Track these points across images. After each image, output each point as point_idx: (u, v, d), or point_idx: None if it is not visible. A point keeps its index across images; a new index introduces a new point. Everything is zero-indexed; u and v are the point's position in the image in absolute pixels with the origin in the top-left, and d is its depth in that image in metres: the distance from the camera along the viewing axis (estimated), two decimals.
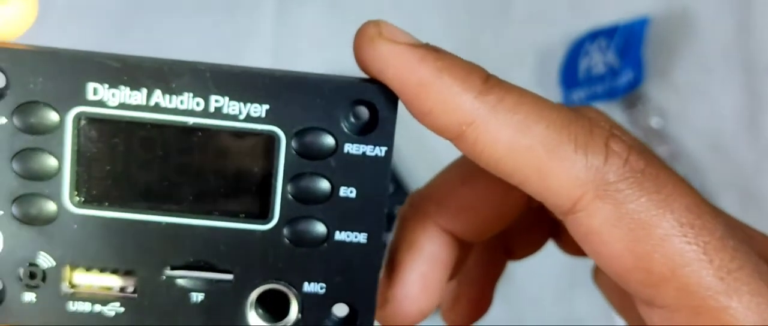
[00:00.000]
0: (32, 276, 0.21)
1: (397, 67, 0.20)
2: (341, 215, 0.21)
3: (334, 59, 0.54)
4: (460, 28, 0.53)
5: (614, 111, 0.51)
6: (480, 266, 0.26)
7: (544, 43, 0.52)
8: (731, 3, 0.50)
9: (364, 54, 0.20)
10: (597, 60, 0.51)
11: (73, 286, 0.21)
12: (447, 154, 0.23)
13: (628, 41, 0.50)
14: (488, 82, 0.20)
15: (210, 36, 0.54)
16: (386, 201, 0.21)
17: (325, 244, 0.21)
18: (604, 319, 0.48)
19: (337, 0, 0.54)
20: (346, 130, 0.21)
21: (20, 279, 0.21)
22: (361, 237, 0.21)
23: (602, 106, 0.51)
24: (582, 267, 0.49)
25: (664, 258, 0.19)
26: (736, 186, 0.49)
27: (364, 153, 0.21)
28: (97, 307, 0.21)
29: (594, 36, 0.51)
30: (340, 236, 0.21)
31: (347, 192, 0.21)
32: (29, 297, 0.21)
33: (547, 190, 0.20)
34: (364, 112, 0.21)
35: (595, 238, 0.20)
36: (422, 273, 0.23)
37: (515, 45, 0.52)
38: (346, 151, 0.21)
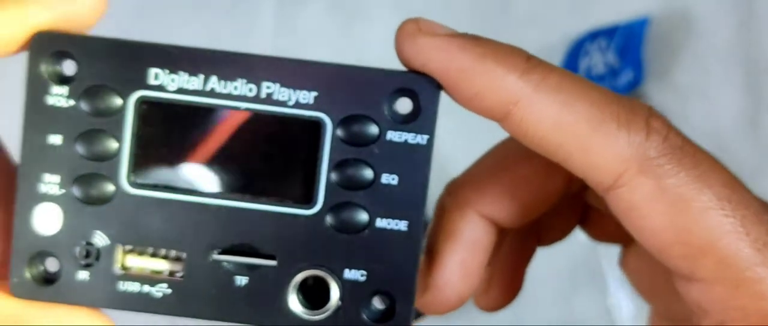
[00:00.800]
0: (88, 254, 0.21)
1: (440, 58, 0.21)
2: (383, 202, 0.21)
3: (333, 59, 0.54)
4: (460, 28, 0.53)
5: None
6: (513, 251, 0.27)
7: (544, 43, 0.52)
8: (732, 3, 0.50)
9: (406, 50, 0.21)
10: (597, 60, 0.51)
11: (124, 267, 0.22)
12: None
13: (628, 41, 0.50)
14: (530, 61, 0.21)
15: (210, 36, 0.54)
16: (427, 189, 0.21)
17: (367, 231, 0.21)
18: (604, 319, 0.48)
19: (337, 0, 0.54)
20: (389, 118, 0.21)
21: (76, 258, 0.21)
22: (402, 225, 0.21)
23: None
24: (582, 267, 0.49)
25: (703, 231, 0.20)
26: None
27: (406, 140, 0.21)
28: (146, 288, 0.22)
29: (594, 36, 0.51)
30: (381, 223, 0.21)
31: (389, 179, 0.21)
32: (83, 275, 0.22)
33: (590, 166, 0.20)
34: (406, 100, 0.21)
35: (637, 213, 0.20)
36: (462, 259, 0.23)
37: (515, 45, 0.52)
38: (388, 138, 0.21)
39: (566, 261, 0.49)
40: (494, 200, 0.24)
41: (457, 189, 0.24)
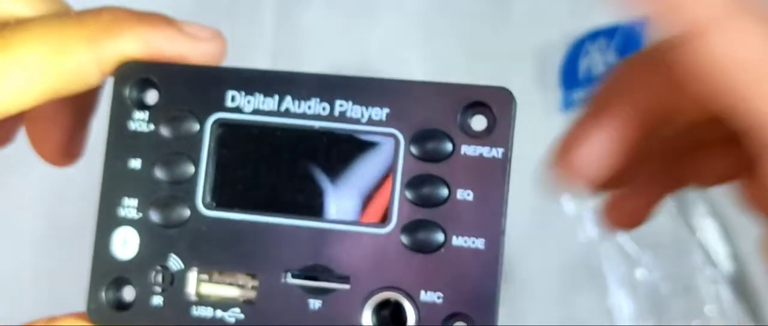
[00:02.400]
0: (162, 278, 0.22)
1: None
2: (459, 219, 0.21)
3: (334, 60, 0.54)
4: (460, 28, 0.53)
5: None
6: (654, 176, 0.25)
7: (544, 43, 0.52)
8: None
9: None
10: (597, 60, 0.51)
11: (198, 294, 0.22)
12: None
13: (628, 41, 0.50)
14: None
15: None
16: (505, 204, 0.21)
17: (443, 250, 0.21)
18: (604, 319, 0.48)
19: (337, 0, 0.54)
20: (463, 132, 0.21)
21: (151, 283, 0.22)
22: (479, 243, 0.21)
23: None
24: (582, 267, 0.49)
25: None
26: (737, 186, 0.49)
27: (481, 154, 0.21)
28: (219, 313, 0.21)
29: (594, 36, 0.51)
30: (457, 241, 0.21)
31: (465, 195, 0.21)
32: (157, 300, 0.22)
33: (763, 120, 0.18)
34: (480, 113, 0.21)
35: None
36: (602, 139, 0.22)
37: (515, 45, 0.52)
38: (463, 153, 0.21)
39: (566, 261, 0.49)
40: (643, 91, 0.22)
41: (610, 79, 0.23)
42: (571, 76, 0.51)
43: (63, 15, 0.22)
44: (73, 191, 0.51)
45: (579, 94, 0.51)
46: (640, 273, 0.48)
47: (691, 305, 0.48)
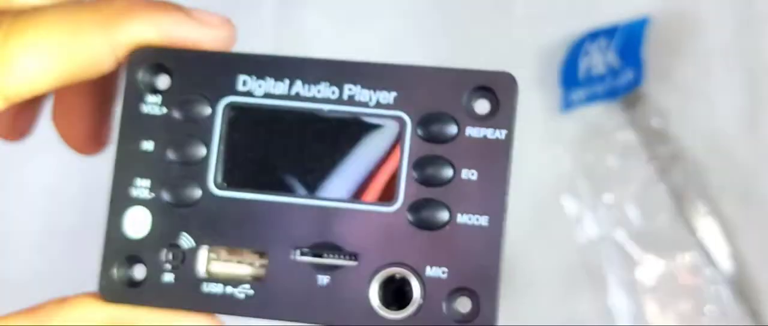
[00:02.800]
0: (173, 256, 0.22)
1: None
2: (463, 197, 0.22)
3: (337, 58, 0.54)
4: (460, 28, 0.53)
5: (614, 111, 0.51)
6: None
7: (544, 43, 0.52)
8: (732, 3, 0.50)
9: None
10: (597, 60, 0.51)
11: (208, 271, 0.22)
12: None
13: (628, 41, 0.50)
14: None
15: None
16: (508, 183, 0.22)
17: (448, 227, 0.22)
18: (604, 319, 0.48)
19: (337, 0, 0.54)
20: (467, 115, 0.22)
21: (162, 261, 0.22)
22: (483, 220, 0.22)
23: (602, 106, 0.51)
24: (582, 267, 0.49)
25: None
26: (737, 187, 0.49)
27: (485, 136, 0.22)
28: (229, 289, 0.22)
29: (594, 36, 0.51)
30: (462, 219, 0.22)
31: (469, 174, 0.22)
32: (169, 277, 0.22)
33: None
34: (484, 97, 0.22)
35: None
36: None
37: (515, 45, 0.52)
38: (467, 134, 0.22)
39: (566, 261, 0.49)
40: None
41: None
42: (571, 76, 0.51)
43: (76, 1, 0.23)
44: (73, 191, 0.51)
45: (579, 94, 0.51)
46: (640, 273, 0.48)
47: (692, 305, 0.48)
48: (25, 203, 0.51)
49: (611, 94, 0.51)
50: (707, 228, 0.48)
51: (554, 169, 0.50)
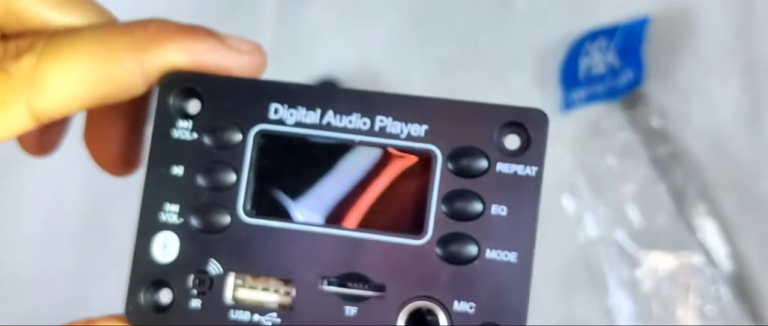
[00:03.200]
0: (201, 282, 0.22)
1: None
2: (492, 233, 0.22)
3: (334, 60, 0.54)
4: (460, 28, 0.53)
5: (614, 111, 0.51)
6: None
7: (544, 43, 0.52)
8: (732, 3, 0.50)
9: None
10: (597, 60, 0.51)
11: (235, 298, 0.22)
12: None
13: (628, 41, 0.50)
14: None
15: None
16: (537, 220, 0.22)
17: (476, 262, 0.22)
18: (604, 319, 0.48)
19: (337, 0, 0.54)
20: (498, 150, 0.22)
21: (189, 287, 0.22)
22: (512, 257, 0.22)
23: (602, 106, 0.51)
24: (582, 267, 0.49)
25: None
26: (737, 186, 0.49)
27: (515, 172, 0.22)
28: (256, 317, 0.22)
29: (594, 36, 0.51)
30: (490, 254, 0.22)
31: (499, 210, 0.22)
32: (196, 303, 0.22)
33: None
34: (515, 132, 0.22)
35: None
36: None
37: (515, 45, 0.52)
38: (498, 170, 0.22)
39: (566, 261, 0.49)
40: None
41: None
42: (571, 76, 0.51)
43: (110, 25, 0.23)
44: (73, 192, 0.51)
45: (579, 94, 0.51)
46: (640, 273, 0.48)
47: (692, 305, 0.48)
48: (27, 203, 0.51)
49: (611, 94, 0.51)
50: (707, 228, 0.48)
51: (554, 169, 0.50)
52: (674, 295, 0.48)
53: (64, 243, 0.51)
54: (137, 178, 0.48)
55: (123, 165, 0.27)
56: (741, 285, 0.47)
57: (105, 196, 0.50)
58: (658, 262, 0.48)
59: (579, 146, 0.50)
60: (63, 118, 0.23)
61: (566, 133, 0.50)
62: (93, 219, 0.51)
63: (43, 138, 0.27)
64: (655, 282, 0.48)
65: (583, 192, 0.49)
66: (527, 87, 0.52)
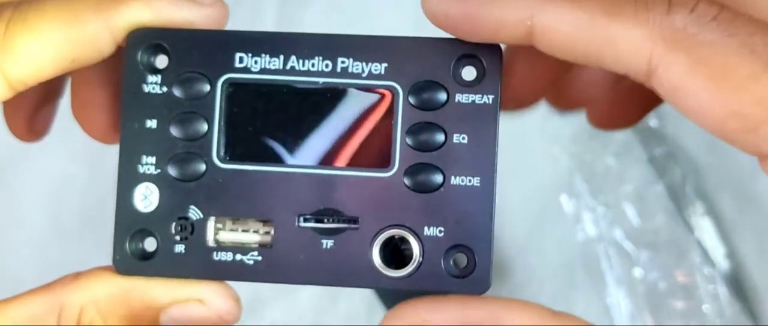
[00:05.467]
0: (183, 228, 0.23)
1: (456, 5, 0.22)
2: (455, 161, 0.23)
3: None
4: None
5: None
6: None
7: None
8: None
9: (429, 8, 0.22)
10: None
11: (217, 240, 0.23)
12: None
13: None
14: None
15: None
16: (496, 145, 0.23)
17: (442, 189, 0.23)
18: (603, 319, 0.48)
19: (338, 0, 0.54)
20: (456, 82, 0.23)
21: (172, 233, 0.23)
22: (475, 181, 0.23)
23: None
24: (581, 266, 0.49)
25: (755, 98, 0.19)
26: (735, 186, 0.49)
27: (473, 101, 0.23)
28: (238, 256, 0.23)
29: None
30: (455, 181, 0.23)
31: (460, 138, 0.23)
32: (179, 248, 0.23)
33: (622, 57, 0.20)
34: (471, 64, 0.23)
35: (680, 93, 0.19)
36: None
37: None
38: (457, 100, 0.23)
39: (565, 260, 0.49)
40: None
41: None
42: None
43: None
44: (75, 190, 0.51)
45: None
46: (638, 272, 0.48)
47: (689, 304, 0.48)
48: (28, 201, 0.51)
49: None
50: (705, 228, 0.48)
51: (552, 169, 0.50)
52: (672, 294, 0.48)
53: (65, 242, 0.51)
54: None
55: (112, 131, 0.28)
56: (738, 284, 0.48)
57: (106, 196, 0.50)
58: (656, 261, 0.48)
59: (577, 146, 0.50)
60: (37, 82, 0.23)
61: (564, 133, 0.50)
62: (94, 219, 0.51)
63: (33, 122, 0.29)
64: (653, 281, 0.48)
65: (581, 191, 0.50)
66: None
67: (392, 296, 0.49)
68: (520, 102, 0.28)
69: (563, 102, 0.29)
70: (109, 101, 0.27)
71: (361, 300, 0.50)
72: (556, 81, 0.29)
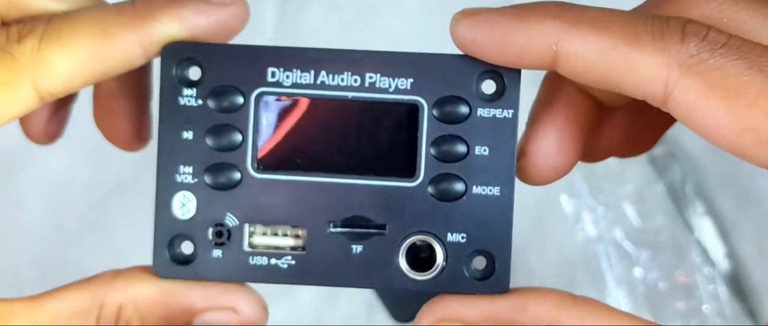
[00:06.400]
0: (219, 234, 0.25)
1: (484, 29, 0.23)
2: (477, 171, 0.24)
3: None
4: None
5: None
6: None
7: None
8: None
9: (458, 33, 0.24)
10: None
11: (252, 244, 0.25)
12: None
13: None
14: (564, 6, 0.22)
15: None
16: (515, 157, 0.24)
17: (464, 198, 0.24)
18: None
19: (338, 1, 0.54)
20: (477, 97, 0.24)
21: (210, 239, 0.24)
22: (495, 191, 0.24)
23: None
24: (581, 266, 0.49)
25: (767, 113, 0.20)
26: (734, 186, 0.49)
27: (494, 115, 0.24)
28: (273, 261, 0.25)
29: None
30: (476, 190, 0.24)
31: (481, 150, 0.24)
32: (217, 253, 0.25)
33: (641, 82, 0.21)
34: (492, 79, 0.24)
35: (696, 114, 0.21)
36: (558, 129, 0.26)
37: None
38: (478, 114, 0.24)
39: (565, 260, 0.49)
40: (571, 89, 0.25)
41: None
42: None
43: (103, 7, 0.25)
44: (76, 190, 0.51)
45: None
46: (638, 272, 0.48)
47: (689, 304, 0.48)
48: (28, 201, 0.52)
49: None
50: (705, 227, 0.48)
51: None
52: (672, 294, 0.48)
53: (65, 242, 0.51)
54: (137, 179, 0.48)
55: (134, 139, 0.28)
56: (738, 284, 0.48)
57: (107, 195, 0.50)
58: (656, 261, 0.48)
59: None
60: (66, 94, 0.24)
61: None
62: (95, 218, 0.51)
63: (49, 125, 0.29)
64: (653, 281, 0.48)
65: (581, 191, 0.50)
66: (527, 87, 0.52)
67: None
68: (596, 156, 0.29)
69: (595, 154, 0.29)
70: (133, 110, 0.28)
71: (360, 301, 0.50)
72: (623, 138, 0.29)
